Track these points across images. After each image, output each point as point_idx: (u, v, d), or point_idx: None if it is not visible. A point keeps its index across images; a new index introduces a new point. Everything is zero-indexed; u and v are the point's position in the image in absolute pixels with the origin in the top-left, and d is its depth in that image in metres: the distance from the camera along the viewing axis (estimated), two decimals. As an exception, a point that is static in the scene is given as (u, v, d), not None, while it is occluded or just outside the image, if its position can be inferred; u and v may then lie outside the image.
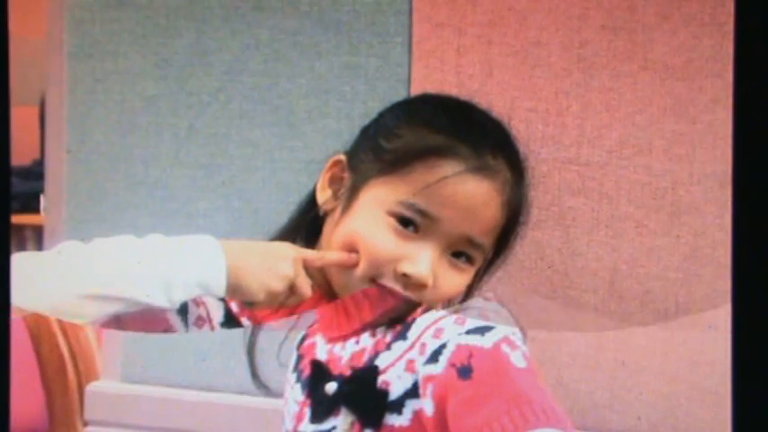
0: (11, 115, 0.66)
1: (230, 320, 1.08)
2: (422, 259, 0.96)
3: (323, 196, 1.04)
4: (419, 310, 0.98)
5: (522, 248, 1.08)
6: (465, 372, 0.90)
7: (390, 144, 1.00)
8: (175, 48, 1.42)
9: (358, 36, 1.35)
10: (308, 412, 1.02)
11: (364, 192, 1.00)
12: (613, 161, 1.24)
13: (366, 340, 1.00)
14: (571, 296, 1.25)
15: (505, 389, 0.88)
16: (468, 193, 0.97)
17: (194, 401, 1.46)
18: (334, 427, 0.98)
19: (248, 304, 1.01)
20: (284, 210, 1.10)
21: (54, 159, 1.50)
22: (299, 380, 1.07)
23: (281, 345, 1.11)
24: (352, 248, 0.98)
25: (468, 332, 0.93)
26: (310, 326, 1.10)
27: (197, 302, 1.05)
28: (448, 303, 1.02)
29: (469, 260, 1.00)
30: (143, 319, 0.95)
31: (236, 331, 1.10)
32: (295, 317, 1.05)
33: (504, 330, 0.93)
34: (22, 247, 1.92)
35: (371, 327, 0.99)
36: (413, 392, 0.94)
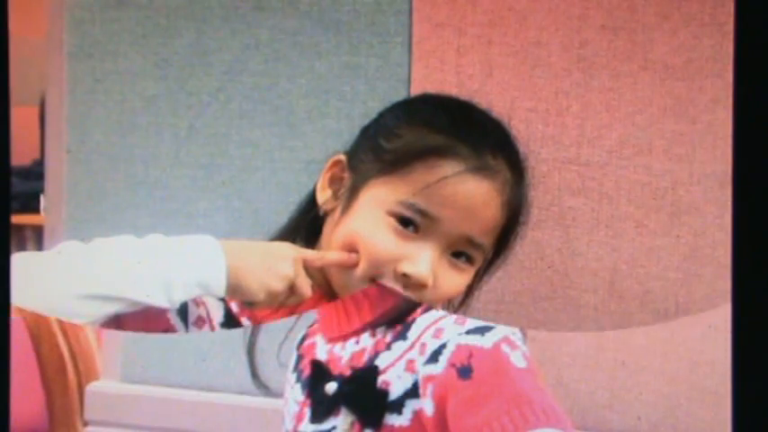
0: (11, 115, 0.66)
1: (230, 320, 1.08)
2: (422, 259, 0.96)
3: (323, 196, 1.04)
4: (419, 310, 0.98)
5: (522, 248, 1.08)
6: (465, 372, 0.90)
7: (390, 144, 1.00)
8: (175, 48, 1.41)
9: (358, 36, 1.34)
10: (307, 412, 1.02)
11: (364, 192, 1.00)
12: (613, 161, 1.24)
13: (366, 340, 1.00)
14: (571, 296, 1.25)
15: (505, 389, 0.88)
16: (468, 193, 0.97)
17: (194, 401, 1.46)
18: (334, 427, 0.98)
19: (248, 304, 1.01)
20: (284, 210, 1.10)
21: (54, 159, 1.50)
22: (299, 380, 1.07)
23: (281, 345, 1.11)
24: (352, 248, 0.98)
25: (468, 332, 0.93)
26: (310, 326, 1.10)
27: (197, 302, 1.05)
28: (448, 303, 1.03)
29: (469, 260, 1.00)
30: (143, 319, 0.95)
31: (236, 331, 1.10)
32: (295, 317, 1.05)
33: (504, 330, 0.93)
34: (22, 247, 1.92)
35: (371, 327, 0.99)
36: (413, 392, 0.94)
